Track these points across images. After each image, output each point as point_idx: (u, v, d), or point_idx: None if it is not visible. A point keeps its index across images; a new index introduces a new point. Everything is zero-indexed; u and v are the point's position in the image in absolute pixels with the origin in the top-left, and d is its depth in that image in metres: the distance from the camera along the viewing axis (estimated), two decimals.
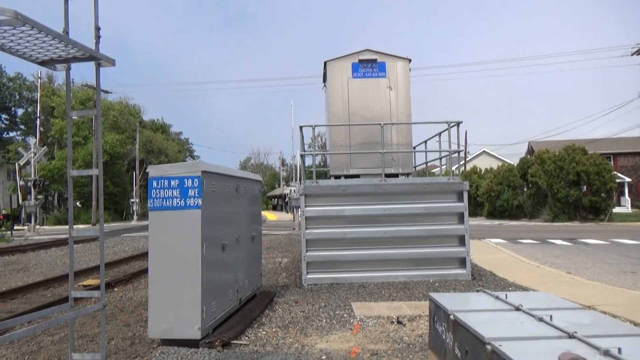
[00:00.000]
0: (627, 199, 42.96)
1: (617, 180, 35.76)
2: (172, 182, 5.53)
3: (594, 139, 41.78)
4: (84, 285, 10.00)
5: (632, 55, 31.96)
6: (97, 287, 6.78)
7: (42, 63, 3.43)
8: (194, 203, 5.48)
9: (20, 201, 32.98)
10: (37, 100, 42.28)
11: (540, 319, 3.13)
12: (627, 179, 43.28)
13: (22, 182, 31.03)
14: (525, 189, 38.79)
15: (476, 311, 3.55)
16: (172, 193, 5.52)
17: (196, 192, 5.49)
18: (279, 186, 77.37)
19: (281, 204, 73.55)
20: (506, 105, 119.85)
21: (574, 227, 28.50)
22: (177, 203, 5.51)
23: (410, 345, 5.51)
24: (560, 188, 33.08)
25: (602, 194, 33.13)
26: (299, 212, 13.18)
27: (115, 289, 9.78)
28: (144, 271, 11.12)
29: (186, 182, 5.50)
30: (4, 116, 55.22)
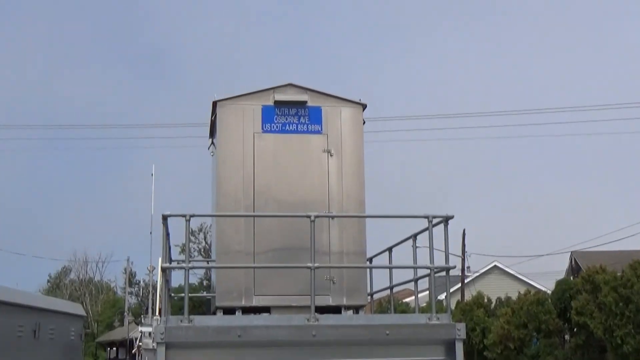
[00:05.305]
0: None
1: None
2: None
3: None
4: None
5: None
6: None
7: None
8: None
9: None
10: None
11: None
12: None
13: None
14: (567, 337, 23.13)
15: None
16: None
17: None
18: (122, 324, 44.23)
19: (124, 357, 41.83)
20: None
21: None
22: None
23: None
24: (626, 335, 18.14)
25: None
26: None
27: None
28: None
29: None
30: None
